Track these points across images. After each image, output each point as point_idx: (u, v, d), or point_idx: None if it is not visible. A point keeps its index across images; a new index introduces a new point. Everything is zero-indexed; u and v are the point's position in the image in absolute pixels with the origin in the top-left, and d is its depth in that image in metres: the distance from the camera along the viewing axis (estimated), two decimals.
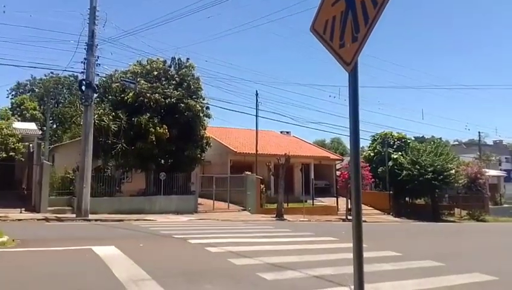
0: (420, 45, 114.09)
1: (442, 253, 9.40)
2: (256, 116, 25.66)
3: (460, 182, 29.56)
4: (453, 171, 27.85)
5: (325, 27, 2.92)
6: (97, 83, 18.24)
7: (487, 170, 36.13)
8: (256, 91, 25.87)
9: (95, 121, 18.35)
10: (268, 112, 54.28)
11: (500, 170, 47.50)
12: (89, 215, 16.44)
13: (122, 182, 22.82)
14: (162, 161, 21.90)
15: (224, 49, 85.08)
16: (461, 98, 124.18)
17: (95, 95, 18.76)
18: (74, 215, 16.60)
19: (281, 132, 36.83)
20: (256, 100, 25.64)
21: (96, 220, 15.76)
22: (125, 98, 20.96)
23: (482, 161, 39.03)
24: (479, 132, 43.11)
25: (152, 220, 16.47)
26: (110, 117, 20.11)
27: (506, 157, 59.22)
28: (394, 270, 6.84)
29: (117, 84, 21.40)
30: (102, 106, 21.02)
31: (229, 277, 6.07)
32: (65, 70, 28.88)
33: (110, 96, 21.91)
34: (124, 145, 19.95)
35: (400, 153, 30.67)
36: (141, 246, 9.12)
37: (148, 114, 20.56)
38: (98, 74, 17.80)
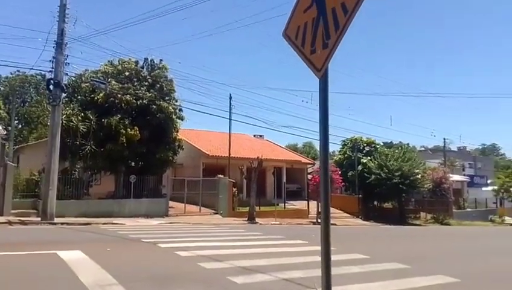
0: (389, 53, 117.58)
1: (408, 256, 9.67)
2: (230, 119, 25.66)
3: (426, 186, 30.50)
4: (419, 176, 28.72)
5: (297, 33, 2.96)
6: (66, 82, 17.72)
7: (451, 175, 37.47)
8: (230, 94, 25.89)
9: (62, 122, 17.83)
10: (242, 115, 54.20)
11: (464, 175, 49.43)
12: (55, 218, 15.94)
13: (90, 184, 22.26)
14: (133, 163, 21.51)
15: (198, 51, 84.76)
16: (428, 105, 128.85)
17: (64, 95, 18.25)
18: (39, 218, 16.04)
19: (254, 136, 36.95)
20: (230, 103, 25.66)
21: (62, 223, 15.31)
22: (95, 98, 20.49)
23: (446, 166, 40.47)
24: (444, 139, 44.83)
25: (121, 223, 16.14)
26: (79, 118, 19.61)
27: (469, 163, 61.70)
28: (362, 273, 6.97)
29: (87, 84, 20.90)
30: (71, 106, 20.48)
31: (199, 281, 6.02)
32: (32, 68, 27.95)
33: (79, 97, 21.36)
34: (93, 146, 19.48)
35: (369, 157, 31.36)
36: (108, 251, 8.90)
37: (119, 115, 20.17)
38: (67, 73, 17.31)
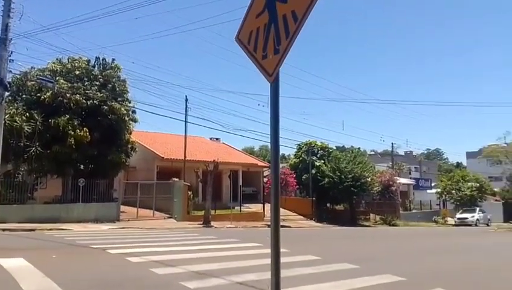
0: (344, 60, 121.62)
1: (358, 256, 10.02)
2: (186, 121, 25.36)
3: (375, 189, 31.82)
4: (369, 179, 29.89)
5: (249, 38, 3.00)
6: (10, 80, 16.69)
7: (399, 178, 39.33)
8: (186, 96, 25.65)
9: (5, 122, 16.74)
10: (198, 118, 53.66)
11: (410, 178, 52.08)
12: None
13: (35, 188, 21.05)
14: (82, 166, 20.63)
15: (153, 52, 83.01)
16: (377, 111, 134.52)
17: (7, 94, 17.15)
18: None
19: (211, 139, 36.74)
20: (186, 105, 25.37)
21: (4, 229, 14.42)
22: (42, 97, 19.49)
23: (394, 169, 42.40)
24: (392, 143, 47.06)
25: (68, 229, 15.46)
26: (24, 118, 18.54)
27: (415, 167, 65.15)
28: (314, 274, 7.13)
29: (33, 82, 19.79)
30: (15, 105, 19.35)
31: (150, 286, 5.89)
32: None
33: (24, 96, 20.20)
34: (39, 148, 18.49)
35: (322, 161, 32.18)
36: (54, 258, 8.47)
37: (68, 116, 19.31)
38: (11, 71, 16.28)
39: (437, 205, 45.07)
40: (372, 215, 33.22)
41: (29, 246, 10.36)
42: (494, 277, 8.14)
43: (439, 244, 16.49)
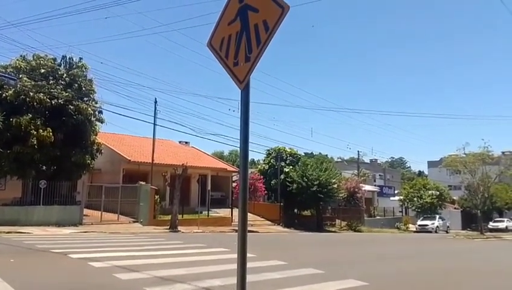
0: (314, 68, 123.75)
1: (323, 261, 10.19)
2: (154, 124, 24.95)
3: (341, 195, 32.43)
4: (335, 185, 30.43)
5: (221, 44, 3.03)
6: None
7: (364, 185, 40.28)
8: (155, 98, 25.20)
9: None
10: (168, 121, 53.05)
11: (375, 185, 53.44)
12: None
13: None
14: (44, 167, 19.89)
15: (122, 53, 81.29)
16: (345, 120, 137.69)
17: None
18: None
19: (180, 142, 36.34)
20: (155, 108, 24.96)
21: None
22: (4, 95, 18.69)
23: (359, 177, 43.41)
24: (358, 151, 48.24)
25: (28, 232, 14.87)
26: None
27: (380, 175, 66.94)
28: (280, 279, 7.20)
29: None
30: None
31: None
32: None
33: None
34: None
35: (291, 167, 32.51)
36: (12, 262, 8.13)
37: (30, 115, 18.61)
38: None
39: (399, 211, 46.47)
40: (338, 221, 33.78)
41: None
42: (451, 280, 8.51)
43: (400, 249, 17.04)
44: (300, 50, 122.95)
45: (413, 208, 43.34)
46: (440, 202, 42.77)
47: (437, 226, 36.43)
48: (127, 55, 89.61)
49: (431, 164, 70.32)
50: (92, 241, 13.06)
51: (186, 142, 36.60)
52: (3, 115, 18.17)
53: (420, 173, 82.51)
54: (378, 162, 70.14)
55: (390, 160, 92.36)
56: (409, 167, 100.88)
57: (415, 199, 42.77)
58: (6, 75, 18.37)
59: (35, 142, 18.30)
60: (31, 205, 18.82)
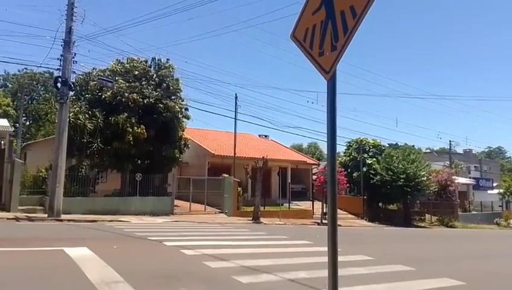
0: (398, 56, 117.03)
1: (413, 258, 9.65)
2: (235, 119, 25.72)
3: (431, 188, 30.34)
4: (424, 178, 28.56)
5: (305, 35, 2.97)
6: (73, 80, 17.86)
7: (457, 178, 37.25)
8: (236, 94, 25.96)
9: (70, 119, 17.97)
10: (247, 115, 54.36)
11: (469, 178, 49.12)
12: (62, 215, 16.06)
13: (96, 182, 22.43)
14: (139, 162, 21.63)
15: (204, 51, 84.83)
16: (433, 107, 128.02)
17: (71, 93, 18.38)
18: (46, 215, 16.18)
19: (259, 136, 36.99)
20: (236, 103, 25.72)
21: (68, 220, 15.41)
22: (103, 96, 20.65)
23: (452, 168, 40.23)
24: (450, 141, 44.76)
25: (126, 221, 16.23)
26: (86, 116, 19.76)
27: (475, 166, 61.28)
28: (367, 274, 6.97)
29: (94, 82, 21.03)
30: (79, 104, 20.64)
31: (204, 280, 6.05)
32: (40, 66, 28.54)
33: (87, 95, 21.52)
34: (100, 144, 19.63)
35: (374, 159, 31.24)
36: (115, 248, 8.97)
37: (126, 114, 20.31)
38: (74, 72, 17.43)
39: (499, 206, 42.19)
40: (427, 216, 31.79)
41: (92, 236, 11.02)
42: None
43: (501, 247, 15.47)
44: (380, 35, 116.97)
45: None
46: None
47: None
48: (208, 53, 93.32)
49: None
50: (183, 230, 13.85)
51: (265, 136, 37.13)
52: (103, 115, 20.08)
53: None
54: (473, 152, 64.18)
55: (487, 150, 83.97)
56: (509, 157, 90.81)
57: None
58: (105, 79, 20.23)
59: (131, 139, 19.96)
60: (129, 196, 20.60)
